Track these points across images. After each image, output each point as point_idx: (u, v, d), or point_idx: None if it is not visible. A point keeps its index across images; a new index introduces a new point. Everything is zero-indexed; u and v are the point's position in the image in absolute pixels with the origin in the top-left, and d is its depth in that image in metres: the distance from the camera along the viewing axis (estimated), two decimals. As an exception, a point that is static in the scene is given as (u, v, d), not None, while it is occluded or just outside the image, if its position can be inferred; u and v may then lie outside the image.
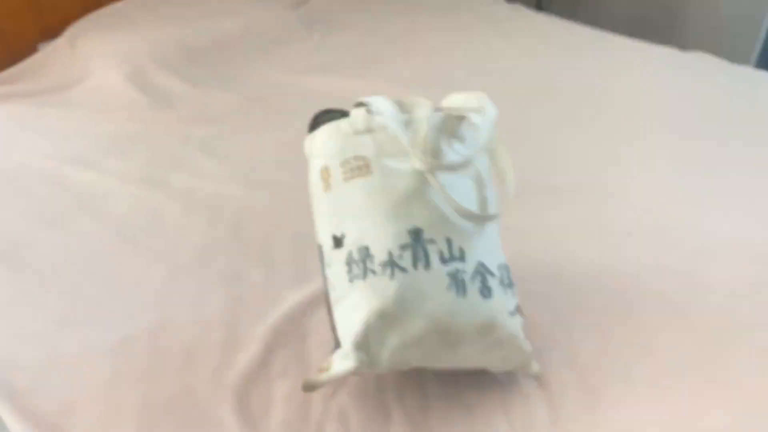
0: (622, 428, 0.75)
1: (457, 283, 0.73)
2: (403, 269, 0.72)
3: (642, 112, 1.43)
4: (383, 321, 0.71)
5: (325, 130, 0.81)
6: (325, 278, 0.79)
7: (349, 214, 0.76)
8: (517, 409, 0.77)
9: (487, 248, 0.78)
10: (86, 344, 0.87)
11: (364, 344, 0.71)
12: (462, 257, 0.74)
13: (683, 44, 1.76)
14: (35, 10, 1.67)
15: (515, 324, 0.77)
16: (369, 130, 0.79)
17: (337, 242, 0.76)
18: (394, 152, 0.77)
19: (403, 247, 0.73)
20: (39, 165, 1.23)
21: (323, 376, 0.73)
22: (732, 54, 1.73)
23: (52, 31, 1.69)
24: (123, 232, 1.06)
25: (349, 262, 0.74)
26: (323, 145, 0.80)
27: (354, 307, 0.73)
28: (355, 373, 0.72)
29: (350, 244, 0.75)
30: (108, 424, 0.76)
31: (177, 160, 1.25)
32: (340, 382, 0.79)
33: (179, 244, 1.04)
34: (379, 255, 0.73)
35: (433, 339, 0.72)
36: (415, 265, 0.72)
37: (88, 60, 1.56)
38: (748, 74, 1.60)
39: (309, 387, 0.75)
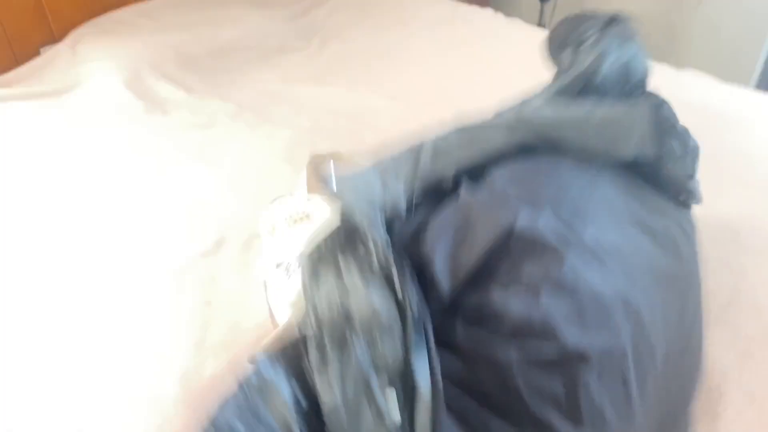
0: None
1: None
2: None
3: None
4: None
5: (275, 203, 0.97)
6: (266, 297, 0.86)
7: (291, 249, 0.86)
8: None
9: None
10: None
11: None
12: None
13: (683, 66, 1.75)
14: (40, 15, 1.71)
15: None
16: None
17: (278, 266, 0.86)
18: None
19: None
20: (30, 167, 1.26)
21: (265, 340, 0.75)
22: (732, 76, 1.72)
23: (55, 36, 1.73)
24: (102, 238, 1.09)
25: (287, 268, 0.83)
26: (272, 211, 0.95)
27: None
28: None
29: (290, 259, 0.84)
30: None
31: (165, 165, 1.28)
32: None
33: (158, 252, 1.06)
34: None
35: None
36: None
37: (88, 64, 1.60)
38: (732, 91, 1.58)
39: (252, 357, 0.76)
